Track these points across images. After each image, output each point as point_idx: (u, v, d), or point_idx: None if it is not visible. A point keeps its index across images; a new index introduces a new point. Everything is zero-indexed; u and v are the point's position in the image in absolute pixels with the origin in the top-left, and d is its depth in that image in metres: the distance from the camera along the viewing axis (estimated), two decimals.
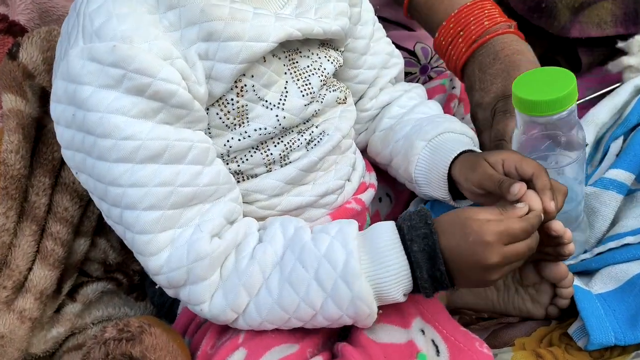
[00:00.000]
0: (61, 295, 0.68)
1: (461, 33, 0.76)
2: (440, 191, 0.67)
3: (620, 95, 0.82)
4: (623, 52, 0.96)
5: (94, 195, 0.55)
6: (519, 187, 0.55)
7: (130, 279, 0.73)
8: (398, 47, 0.86)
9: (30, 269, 0.64)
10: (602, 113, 0.81)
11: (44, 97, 0.70)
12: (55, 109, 0.54)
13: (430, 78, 0.98)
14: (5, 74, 0.67)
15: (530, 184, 0.56)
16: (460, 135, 0.69)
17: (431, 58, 0.96)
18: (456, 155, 0.64)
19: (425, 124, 0.69)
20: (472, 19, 0.76)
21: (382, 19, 0.90)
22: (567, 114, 0.59)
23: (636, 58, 0.92)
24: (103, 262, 0.72)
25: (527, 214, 0.54)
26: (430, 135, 0.67)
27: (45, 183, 0.67)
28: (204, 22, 0.54)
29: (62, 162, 0.69)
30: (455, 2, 0.78)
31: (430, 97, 0.85)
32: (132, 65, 0.50)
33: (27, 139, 0.65)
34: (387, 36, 0.79)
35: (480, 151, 0.67)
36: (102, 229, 0.73)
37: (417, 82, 0.96)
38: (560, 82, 0.58)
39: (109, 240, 0.73)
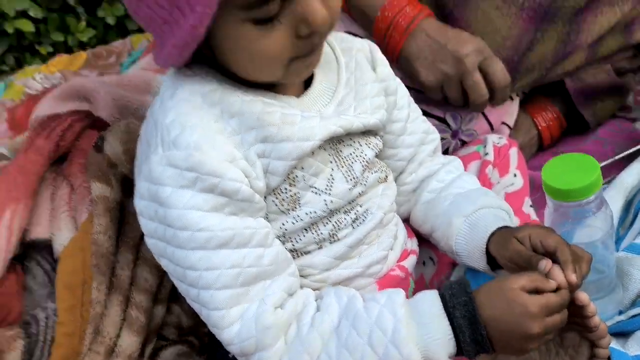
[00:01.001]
0: (144, 358, 0.76)
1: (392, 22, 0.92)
2: (479, 264, 0.73)
3: None
4: None
5: (173, 277, 0.63)
6: (545, 263, 0.61)
7: (201, 340, 0.82)
8: (428, 114, 0.93)
9: (118, 336, 0.73)
10: (631, 177, 0.87)
11: (124, 182, 0.80)
12: (139, 204, 0.64)
13: (462, 141, 1.04)
14: (94, 165, 0.78)
15: (554, 257, 0.62)
16: (496, 210, 0.75)
17: (461, 122, 1.03)
18: (492, 232, 0.71)
19: (463, 200, 0.76)
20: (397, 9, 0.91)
21: (412, 90, 0.99)
22: (594, 198, 0.65)
23: None
24: (177, 326, 0.81)
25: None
26: (468, 211, 0.74)
27: (129, 258, 0.77)
28: (260, 128, 0.62)
29: (141, 238, 0.79)
30: None
31: (465, 164, 0.92)
32: (204, 169, 0.59)
33: (113, 221, 0.76)
34: (418, 104, 0.85)
35: (514, 227, 0.72)
36: (175, 295, 0.82)
37: (449, 146, 1.03)
38: (585, 169, 0.64)
39: (182, 305, 0.81)
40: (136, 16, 0.61)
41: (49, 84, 1.33)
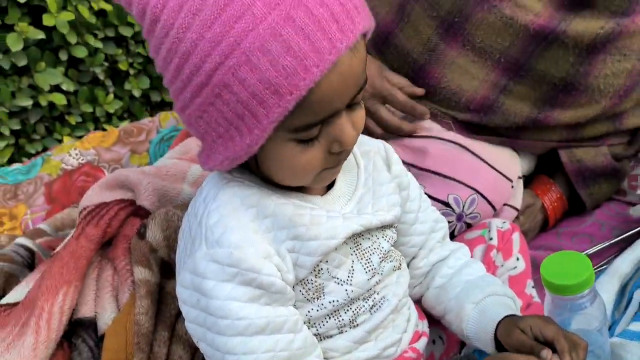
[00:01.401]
0: None
1: None
2: (488, 347, 0.80)
3: (639, 249, 0.95)
4: None
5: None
6: (546, 353, 0.69)
7: None
8: (433, 198, 1.02)
9: None
10: (624, 263, 0.95)
11: (163, 266, 0.89)
12: (182, 293, 0.71)
13: (467, 224, 1.11)
14: (137, 250, 0.86)
15: (553, 346, 0.70)
16: (502, 297, 0.82)
17: (463, 206, 1.10)
18: (499, 320, 0.78)
19: (472, 288, 0.84)
20: None
21: (411, 166, 1.08)
22: (587, 293, 0.73)
23: None
24: None
25: None
26: (478, 298, 0.81)
27: (165, 336, 0.84)
28: (291, 227, 0.71)
29: (176, 317, 0.87)
30: None
31: (472, 247, 1.00)
32: (243, 265, 0.67)
33: (153, 302, 0.84)
34: (422, 187, 0.93)
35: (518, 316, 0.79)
36: None
37: (455, 228, 1.11)
38: (579, 267, 0.73)
39: None
40: (190, 127, 0.68)
41: (83, 159, 1.43)
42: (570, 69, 1.08)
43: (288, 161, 0.67)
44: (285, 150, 0.66)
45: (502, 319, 0.78)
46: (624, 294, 0.94)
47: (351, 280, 0.76)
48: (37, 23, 1.79)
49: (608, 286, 0.93)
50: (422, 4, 1.12)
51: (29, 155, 1.93)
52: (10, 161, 1.91)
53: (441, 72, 1.12)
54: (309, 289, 0.74)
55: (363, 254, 0.78)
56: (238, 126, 0.63)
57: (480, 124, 1.13)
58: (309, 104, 0.61)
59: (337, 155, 0.68)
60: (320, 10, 0.59)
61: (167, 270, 0.88)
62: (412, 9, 1.14)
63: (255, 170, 0.73)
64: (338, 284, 0.75)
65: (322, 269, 0.74)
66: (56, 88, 1.90)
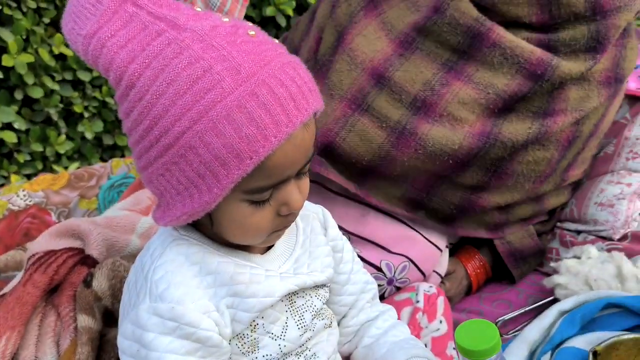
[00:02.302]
0: None
1: None
2: None
3: (547, 318, 1.05)
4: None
5: None
6: None
7: None
8: (366, 262, 1.10)
9: None
10: (533, 331, 1.04)
11: (106, 314, 0.93)
12: (123, 343, 0.75)
13: (397, 288, 1.19)
14: (82, 298, 0.90)
15: None
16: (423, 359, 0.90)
17: (395, 271, 1.19)
18: None
19: (397, 349, 0.90)
20: None
21: (350, 234, 1.16)
22: (495, 357, 0.81)
23: (565, 277, 1.16)
24: None
25: None
26: (402, 359, 0.88)
27: None
28: (231, 285, 0.76)
29: None
30: None
31: (399, 309, 1.08)
32: (183, 320, 0.72)
33: (93, 349, 0.87)
34: (356, 252, 1.00)
35: None
36: None
37: (385, 291, 1.19)
38: (488, 334, 0.80)
39: None
40: (150, 185, 0.73)
41: (31, 201, 1.46)
42: (503, 160, 1.20)
43: (240, 220, 0.73)
44: (239, 210, 0.72)
45: None
46: (532, 359, 1.03)
47: (285, 335, 0.82)
48: None
49: (518, 351, 1.01)
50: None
51: None
52: None
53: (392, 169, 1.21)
54: (245, 343, 0.79)
55: (297, 311, 0.84)
56: (198, 185, 0.69)
57: (422, 202, 1.23)
58: (264, 169, 0.68)
59: (285, 217, 0.75)
60: (280, 90, 0.67)
61: (109, 318, 0.92)
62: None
63: (204, 229, 0.79)
64: (272, 339, 0.81)
65: (258, 324, 0.80)
66: (7, 126, 1.92)
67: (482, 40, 1.17)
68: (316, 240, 0.90)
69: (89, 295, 0.90)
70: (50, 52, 1.95)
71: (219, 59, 0.66)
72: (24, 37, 1.88)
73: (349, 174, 1.21)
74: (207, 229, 0.77)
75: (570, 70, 1.17)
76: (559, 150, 1.23)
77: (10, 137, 1.90)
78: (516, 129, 1.18)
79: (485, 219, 1.27)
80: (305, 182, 0.77)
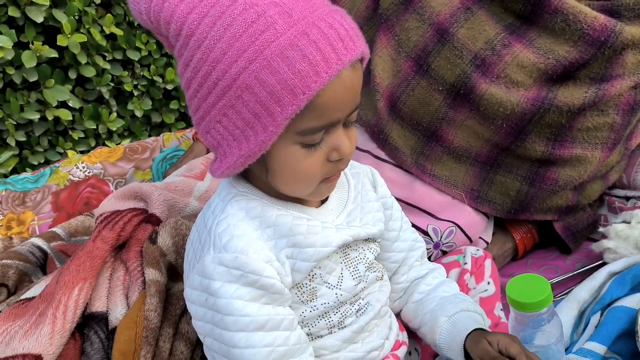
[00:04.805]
0: None
1: None
2: (458, 357, 0.89)
3: (596, 279, 1.06)
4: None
5: (217, 353, 0.78)
6: None
7: None
8: (413, 226, 1.13)
9: None
10: (583, 292, 1.05)
11: (170, 269, 0.98)
12: (191, 294, 0.79)
13: (443, 252, 1.22)
14: (149, 254, 0.95)
15: None
16: (473, 313, 0.92)
17: (441, 236, 1.22)
18: (469, 332, 0.88)
19: (447, 303, 0.93)
20: None
21: (398, 200, 1.19)
22: (546, 310, 0.83)
23: (614, 242, 1.17)
24: None
25: None
26: (451, 312, 0.91)
27: (170, 333, 0.93)
28: (290, 236, 0.80)
29: (180, 316, 0.96)
30: None
31: (447, 270, 1.10)
32: (247, 268, 0.76)
33: (161, 301, 0.93)
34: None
35: (487, 330, 0.89)
36: None
37: (431, 255, 1.21)
38: (540, 288, 0.82)
39: None
40: (207, 135, 0.77)
41: (90, 172, 1.53)
42: (562, 127, 1.20)
43: (293, 165, 0.76)
44: (292, 153, 0.75)
45: (472, 331, 0.88)
46: (582, 318, 1.04)
47: (340, 285, 0.85)
48: (50, 42, 1.90)
49: (568, 310, 1.03)
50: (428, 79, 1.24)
51: (32, 166, 2.02)
52: (13, 171, 1.99)
53: (453, 134, 1.24)
54: (304, 292, 0.83)
55: (351, 263, 0.88)
56: (254, 126, 0.72)
57: (486, 177, 1.26)
58: (315, 108, 0.71)
59: (335, 164, 0.78)
60: (329, 30, 0.71)
61: (173, 274, 0.97)
62: (418, 83, 1.26)
63: (259, 183, 0.83)
64: (329, 288, 0.85)
65: (315, 274, 0.84)
66: (63, 104, 2.00)
67: (543, 6, 1.18)
68: (367, 196, 0.93)
69: (155, 251, 0.95)
70: (102, 32, 2.02)
71: (272, 4, 0.70)
72: (77, 17, 1.94)
73: (413, 144, 1.25)
74: (262, 182, 0.81)
75: (633, 35, 1.16)
76: (621, 115, 1.22)
77: (65, 115, 1.97)
78: (572, 94, 1.18)
79: (558, 202, 1.27)
80: (353, 131, 0.80)
